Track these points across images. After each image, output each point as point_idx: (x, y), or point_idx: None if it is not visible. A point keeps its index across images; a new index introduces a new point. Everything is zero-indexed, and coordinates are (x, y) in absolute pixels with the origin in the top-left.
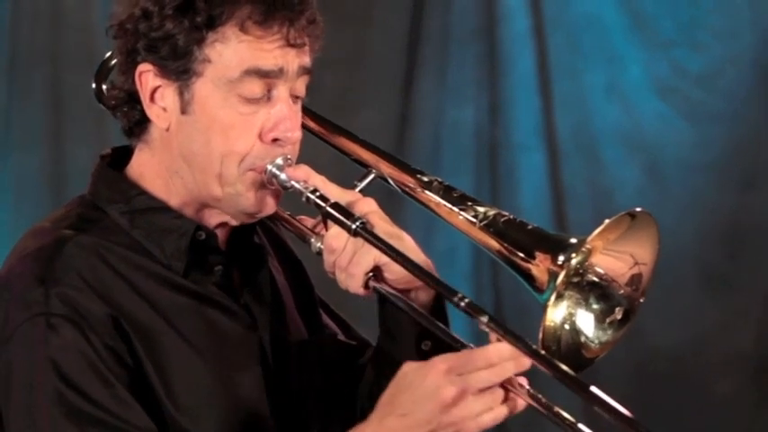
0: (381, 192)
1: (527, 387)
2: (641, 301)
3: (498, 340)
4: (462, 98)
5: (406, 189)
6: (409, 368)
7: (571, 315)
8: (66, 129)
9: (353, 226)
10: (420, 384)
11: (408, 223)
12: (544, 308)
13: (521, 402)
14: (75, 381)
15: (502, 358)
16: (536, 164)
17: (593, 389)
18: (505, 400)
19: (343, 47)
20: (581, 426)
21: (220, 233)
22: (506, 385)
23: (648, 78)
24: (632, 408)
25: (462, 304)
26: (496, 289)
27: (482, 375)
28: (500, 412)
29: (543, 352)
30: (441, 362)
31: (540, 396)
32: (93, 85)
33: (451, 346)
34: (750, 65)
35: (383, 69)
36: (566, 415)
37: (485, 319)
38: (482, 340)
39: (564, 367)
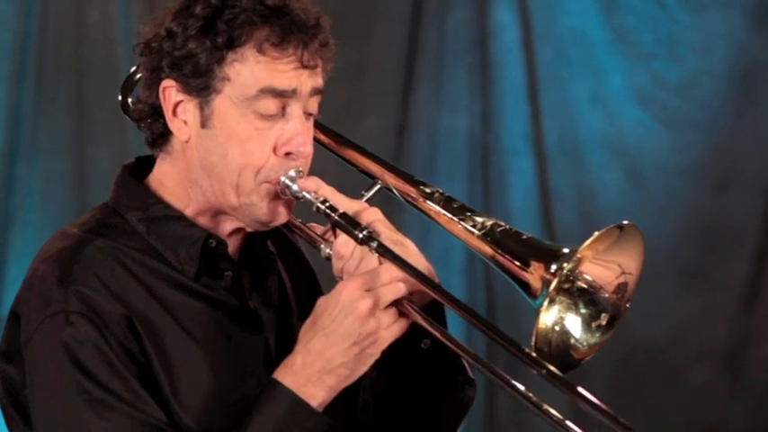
0: (381, 196)
1: (414, 307)
2: (627, 306)
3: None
4: (456, 106)
5: (410, 199)
6: (323, 297)
7: (561, 319)
8: (88, 135)
9: (360, 235)
10: (336, 303)
11: (407, 224)
12: (537, 313)
13: (414, 316)
14: (92, 372)
15: (399, 278)
16: (525, 168)
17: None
18: (401, 315)
19: (346, 60)
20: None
21: (234, 240)
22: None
23: (630, 88)
24: (614, 394)
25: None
26: (489, 287)
27: (388, 289)
28: (403, 323)
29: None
30: (351, 281)
31: (424, 315)
32: (120, 98)
33: (448, 346)
34: (724, 76)
35: (383, 80)
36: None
37: (374, 244)
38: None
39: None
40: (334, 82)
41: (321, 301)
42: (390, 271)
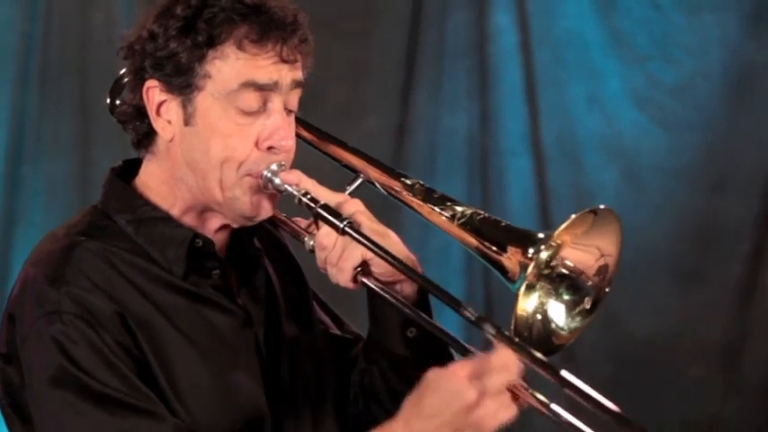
0: (379, 196)
1: (527, 387)
2: (607, 290)
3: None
4: (455, 108)
5: (392, 192)
6: (433, 374)
7: (542, 305)
8: (92, 136)
9: (341, 225)
10: (445, 388)
11: (405, 223)
12: (516, 297)
13: (524, 400)
14: (90, 369)
15: (510, 363)
16: (523, 168)
17: (567, 376)
18: (513, 398)
19: (347, 62)
20: (573, 420)
21: (221, 237)
22: (510, 386)
23: (626, 90)
24: (610, 391)
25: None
26: (487, 285)
27: (497, 379)
28: (512, 410)
29: (539, 356)
30: (461, 368)
31: (538, 394)
32: (108, 101)
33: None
34: (719, 77)
35: (383, 82)
36: (561, 411)
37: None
38: (471, 332)
39: (541, 356)
40: (334, 83)
41: (432, 377)
42: (501, 356)
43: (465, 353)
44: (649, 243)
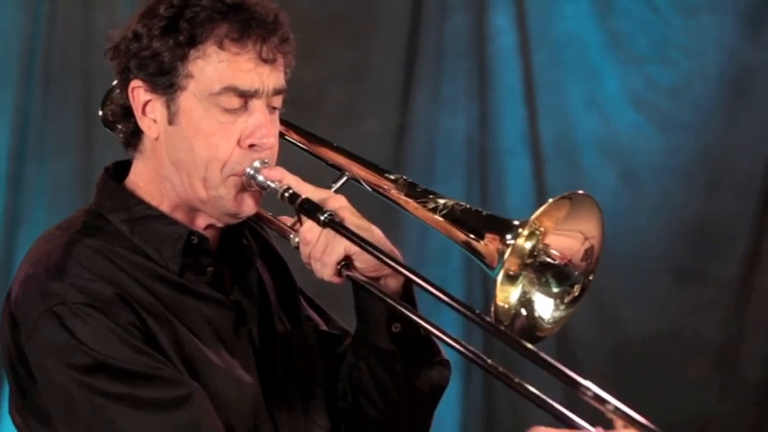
0: (377, 201)
1: None
2: (591, 279)
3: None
4: (455, 109)
5: (377, 189)
6: None
7: (526, 294)
8: (95, 136)
9: (322, 217)
10: None
11: (404, 224)
12: (494, 283)
13: None
14: (109, 352)
15: None
16: (522, 169)
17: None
18: None
19: (347, 63)
20: None
21: (211, 235)
22: None
23: (624, 91)
24: (608, 389)
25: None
26: (486, 285)
27: None
28: None
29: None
30: None
31: None
32: (100, 112)
33: (419, 327)
34: (715, 79)
35: (383, 83)
36: None
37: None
38: (471, 331)
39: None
40: (335, 85)
41: None
42: None
43: (452, 345)
44: (647, 243)
